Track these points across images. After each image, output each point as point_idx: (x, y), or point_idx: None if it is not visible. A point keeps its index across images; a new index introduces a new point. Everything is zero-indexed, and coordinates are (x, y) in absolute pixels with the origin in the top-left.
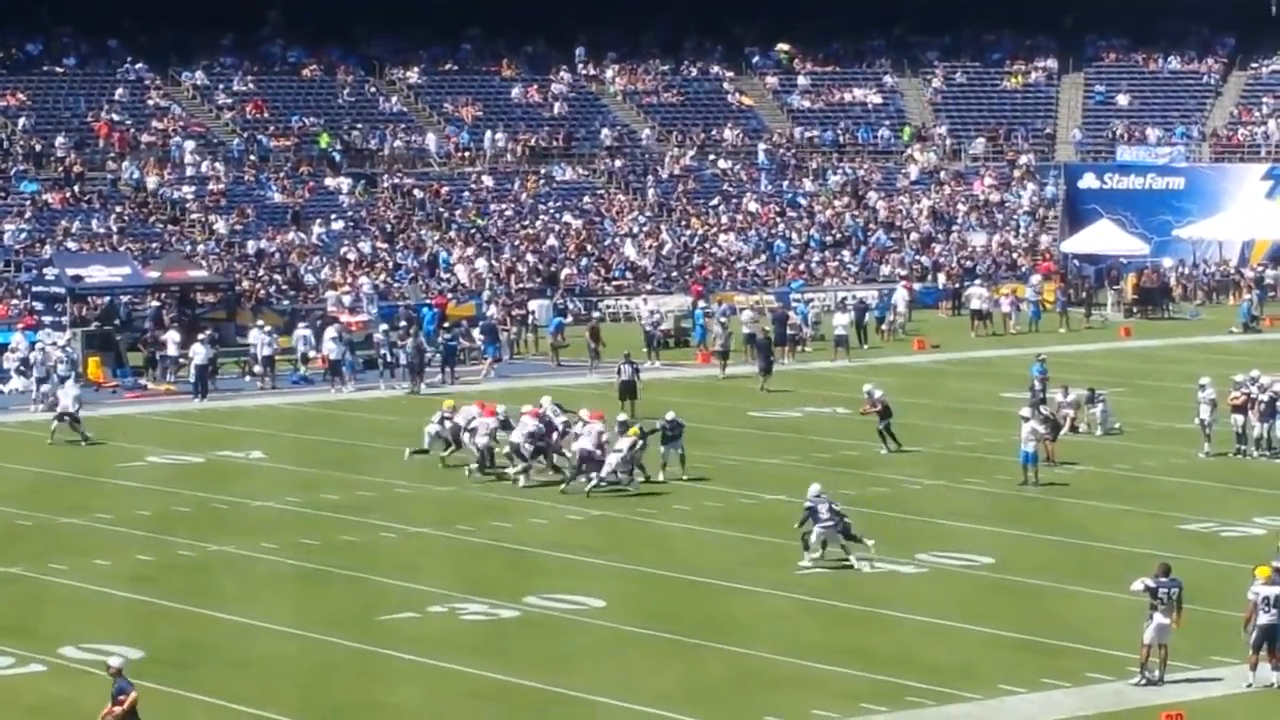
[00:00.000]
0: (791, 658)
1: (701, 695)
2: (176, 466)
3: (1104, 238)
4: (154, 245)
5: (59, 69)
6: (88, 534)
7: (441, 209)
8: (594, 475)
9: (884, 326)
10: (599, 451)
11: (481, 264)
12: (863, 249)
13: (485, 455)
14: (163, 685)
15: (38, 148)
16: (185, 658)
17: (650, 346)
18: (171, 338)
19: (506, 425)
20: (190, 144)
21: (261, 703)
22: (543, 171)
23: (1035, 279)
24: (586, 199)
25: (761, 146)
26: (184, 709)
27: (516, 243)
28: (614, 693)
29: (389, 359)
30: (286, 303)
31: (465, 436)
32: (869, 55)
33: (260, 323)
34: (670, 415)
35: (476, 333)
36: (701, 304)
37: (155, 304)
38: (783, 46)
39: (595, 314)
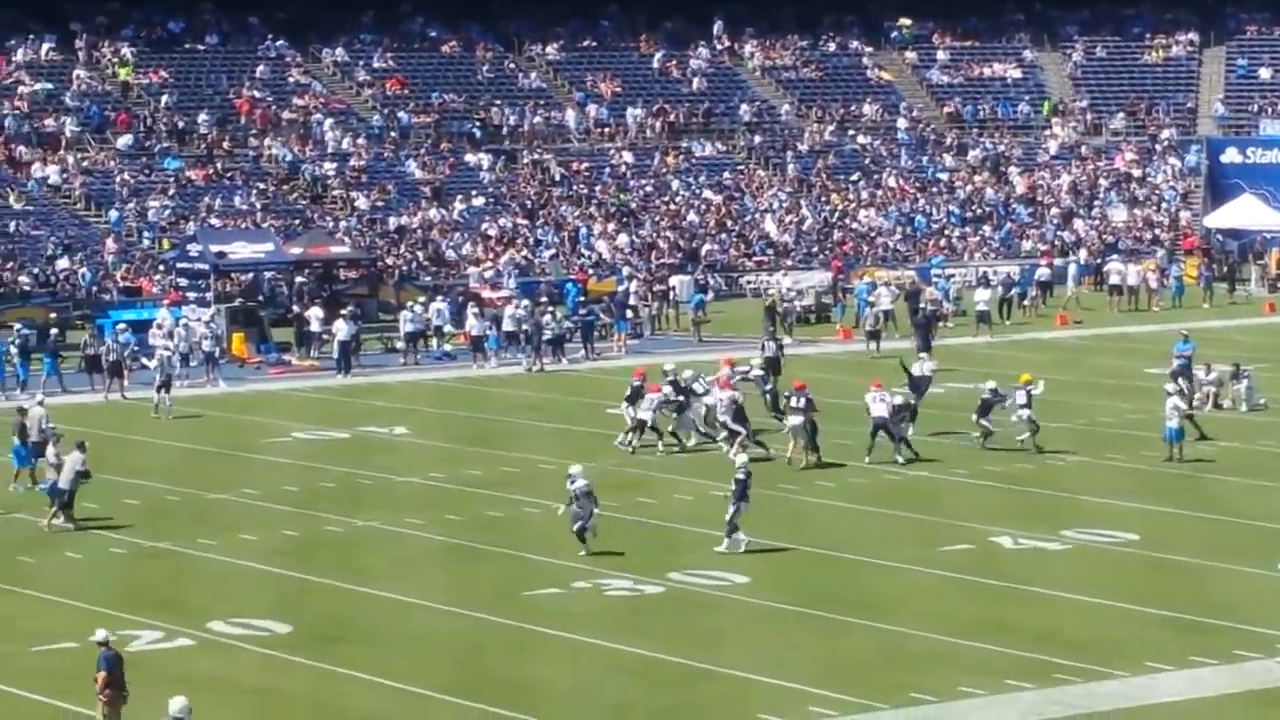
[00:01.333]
0: (937, 634)
1: (846, 671)
2: (322, 442)
3: (1247, 212)
4: (296, 222)
5: (201, 46)
6: (235, 509)
7: (581, 185)
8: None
9: (1025, 302)
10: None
11: (622, 240)
12: (1007, 225)
13: (641, 427)
14: (311, 660)
15: (180, 125)
16: (333, 632)
17: (787, 321)
18: (314, 314)
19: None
20: (331, 120)
21: (410, 677)
22: (683, 147)
23: (1160, 254)
24: (726, 174)
25: (901, 121)
26: (332, 683)
27: (657, 218)
28: (758, 668)
29: (530, 335)
30: (428, 279)
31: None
32: (1008, 30)
33: (409, 303)
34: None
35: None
36: (859, 280)
37: (299, 280)
38: (905, 21)
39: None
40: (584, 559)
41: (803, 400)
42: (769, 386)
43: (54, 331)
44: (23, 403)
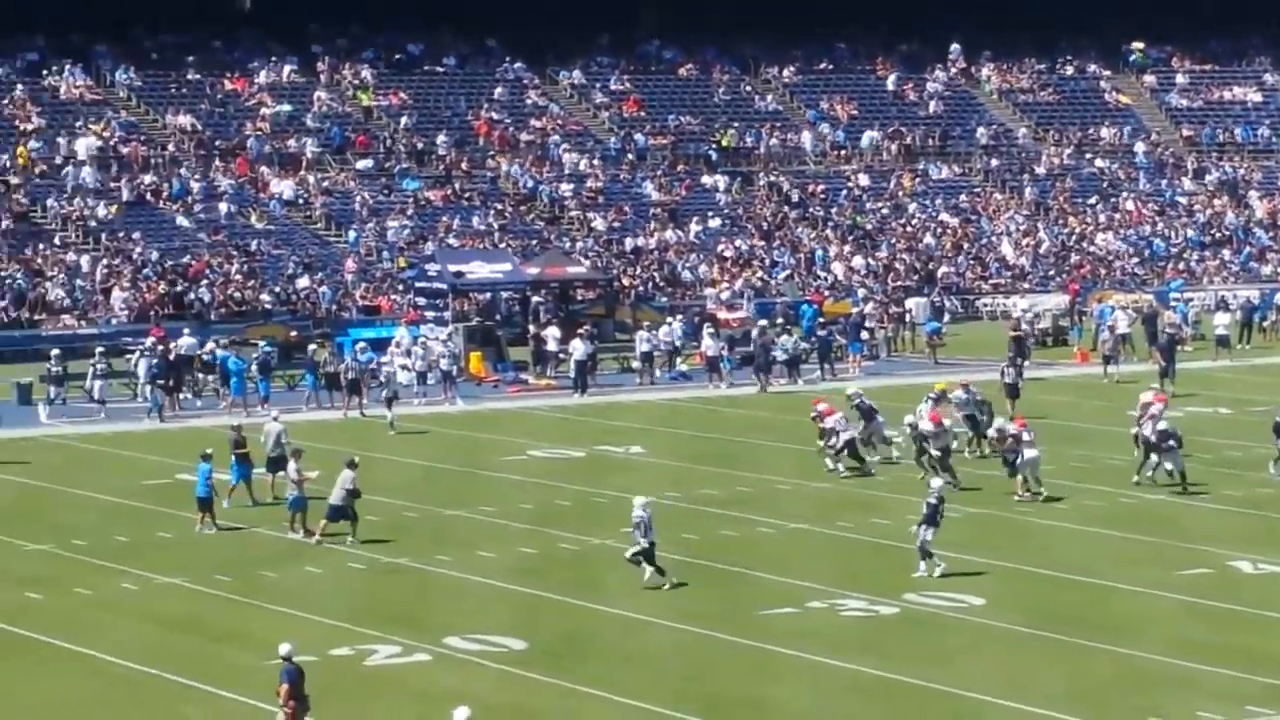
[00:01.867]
0: (1175, 658)
1: (1084, 694)
2: (558, 460)
3: None
4: (533, 242)
5: (440, 69)
6: (472, 526)
7: (817, 207)
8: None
9: (1265, 325)
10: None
11: (858, 261)
12: (1247, 249)
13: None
14: (546, 676)
15: (419, 146)
16: (569, 649)
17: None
18: (551, 333)
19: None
20: (568, 142)
21: (643, 695)
22: (919, 169)
23: None
24: (963, 197)
25: (1139, 145)
26: (569, 700)
27: (893, 241)
28: (994, 690)
29: (757, 356)
30: (664, 299)
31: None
32: (1248, 53)
33: (646, 323)
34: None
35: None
36: (1096, 303)
37: (535, 300)
38: (1137, 45)
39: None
40: (819, 579)
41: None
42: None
43: (311, 348)
44: (249, 420)
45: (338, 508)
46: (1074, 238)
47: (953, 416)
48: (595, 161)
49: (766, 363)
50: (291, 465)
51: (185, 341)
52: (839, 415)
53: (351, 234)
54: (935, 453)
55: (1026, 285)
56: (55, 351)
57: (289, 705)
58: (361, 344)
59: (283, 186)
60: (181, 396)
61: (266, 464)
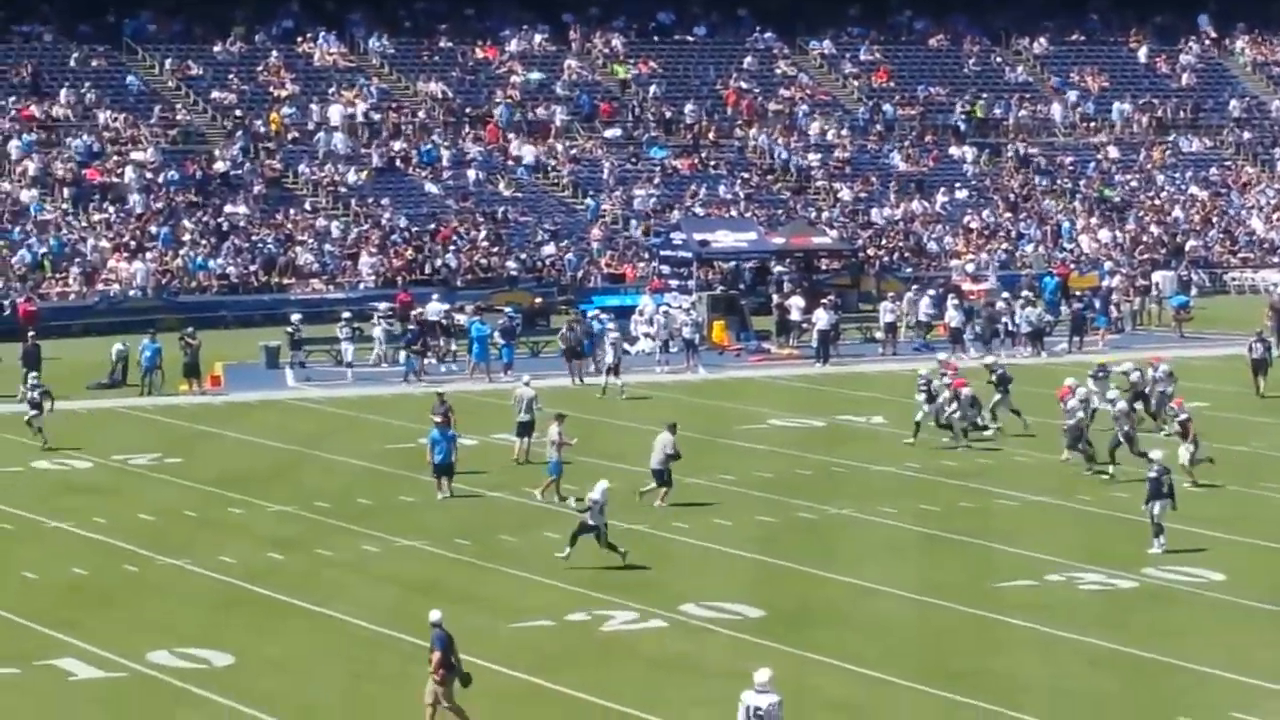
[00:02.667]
0: None
1: None
2: (798, 430)
3: None
4: (779, 212)
5: (690, 38)
6: (710, 494)
7: (1065, 179)
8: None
9: None
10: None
11: (1105, 234)
12: None
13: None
14: (781, 644)
15: (668, 115)
16: (804, 618)
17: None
18: (795, 303)
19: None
20: (816, 112)
21: (879, 664)
22: (1169, 142)
23: None
24: (1213, 170)
25: None
26: (803, 668)
27: (1141, 214)
28: (1233, 666)
29: (1010, 328)
30: (909, 270)
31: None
32: None
33: (890, 294)
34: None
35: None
36: None
37: (779, 269)
38: None
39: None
40: (1057, 552)
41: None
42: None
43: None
44: (491, 385)
45: (658, 471)
46: None
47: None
48: (843, 132)
49: (991, 335)
50: (554, 429)
51: (433, 307)
52: (969, 391)
53: (592, 201)
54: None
55: (1277, 260)
56: (296, 316)
57: (439, 673)
58: (597, 311)
59: (530, 153)
60: (426, 361)
61: (516, 429)
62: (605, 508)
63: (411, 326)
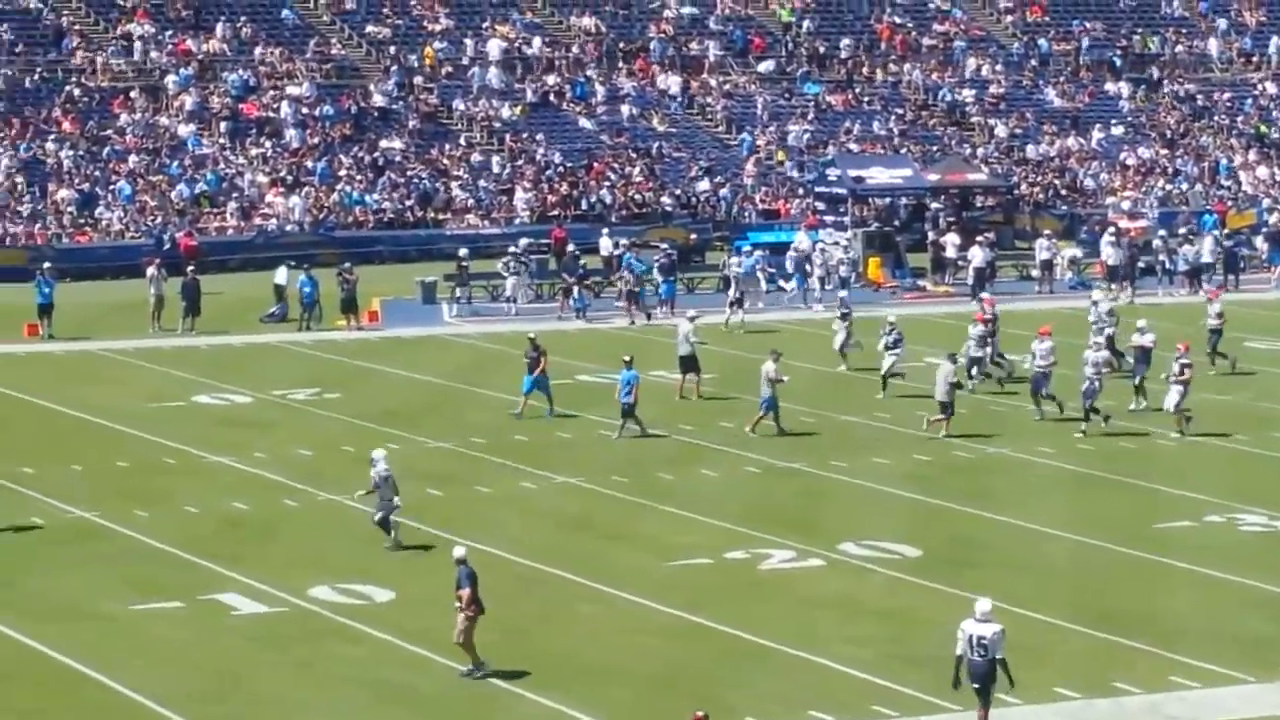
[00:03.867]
0: None
1: None
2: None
3: None
4: (934, 148)
5: None
6: (867, 433)
7: (1222, 115)
8: None
9: None
10: None
11: (1263, 171)
12: None
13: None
14: (937, 584)
15: (821, 50)
16: (960, 557)
17: None
18: (950, 240)
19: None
20: (971, 47)
21: (1036, 605)
22: None
23: None
24: None
25: None
26: (959, 607)
27: None
28: None
29: (1167, 265)
30: (1064, 207)
31: None
32: None
33: (1046, 231)
34: None
35: (1259, 241)
36: None
37: (935, 206)
38: None
39: None
40: (1217, 493)
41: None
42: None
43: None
44: (649, 323)
45: (944, 403)
46: None
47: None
48: (998, 67)
49: (1132, 272)
50: (770, 365)
51: (604, 243)
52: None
53: (746, 137)
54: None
55: None
56: (463, 251)
57: (470, 609)
58: (749, 249)
59: (680, 87)
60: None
61: (679, 364)
62: (392, 480)
63: (582, 262)
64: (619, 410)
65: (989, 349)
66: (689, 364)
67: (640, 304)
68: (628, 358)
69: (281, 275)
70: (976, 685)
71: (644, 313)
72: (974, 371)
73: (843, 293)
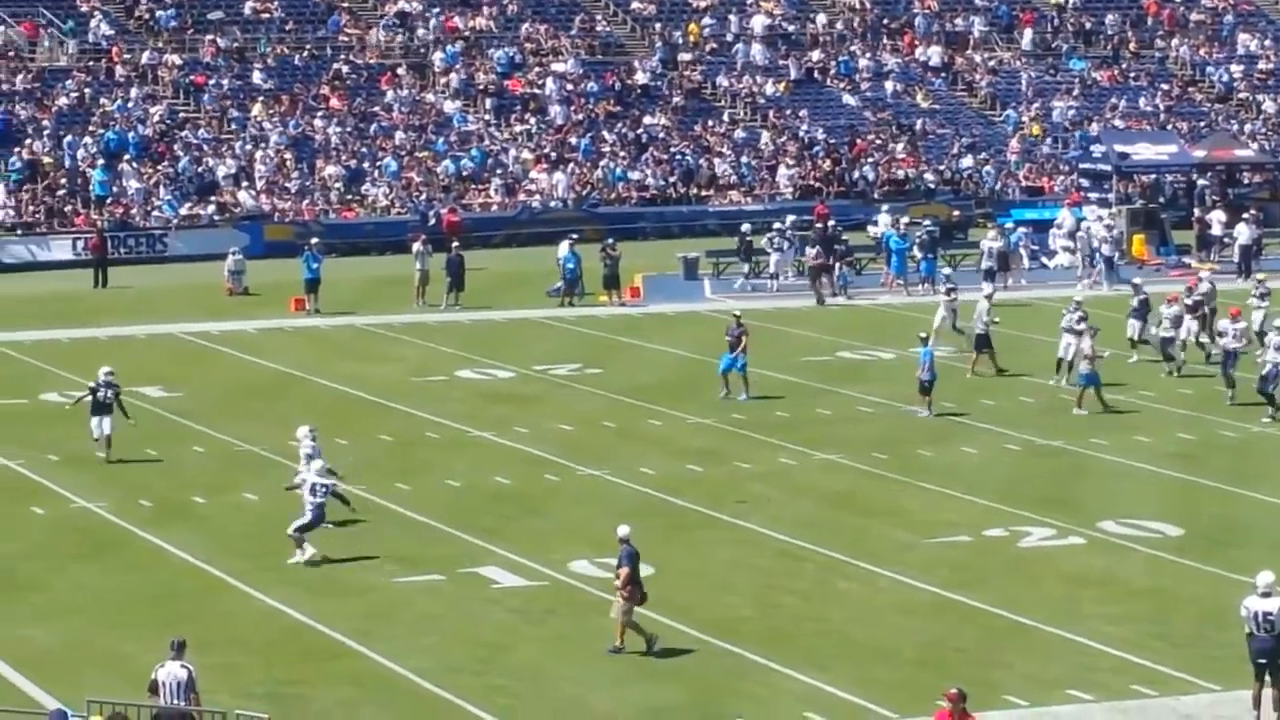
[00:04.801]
0: None
1: None
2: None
3: None
4: (1200, 124)
5: None
6: (1130, 410)
7: None
8: None
9: None
10: None
11: None
12: None
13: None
14: (1199, 563)
15: (1087, 25)
16: (1225, 537)
17: None
18: (1216, 217)
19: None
20: (1240, 23)
21: None
22: None
23: None
24: None
25: None
26: (1219, 588)
27: None
28: None
29: None
30: None
31: None
32: None
33: None
34: None
35: None
36: None
37: (1201, 183)
38: None
39: None
40: None
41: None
42: None
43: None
44: (909, 299)
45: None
46: None
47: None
48: (1267, 43)
49: None
50: (1087, 341)
51: (883, 219)
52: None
53: (1011, 113)
54: None
55: None
56: (746, 226)
57: (627, 589)
58: (1011, 225)
59: (939, 59)
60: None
61: (974, 342)
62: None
63: (845, 239)
64: (916, 388)
65: (1186, 330)
66: (983, 342)
67: (904, 280)
68: (924, 335)
69: (564, 249)
70: (1263, 661)
71: (904, 289)
72: (1170, 352)
73: (946, 270)
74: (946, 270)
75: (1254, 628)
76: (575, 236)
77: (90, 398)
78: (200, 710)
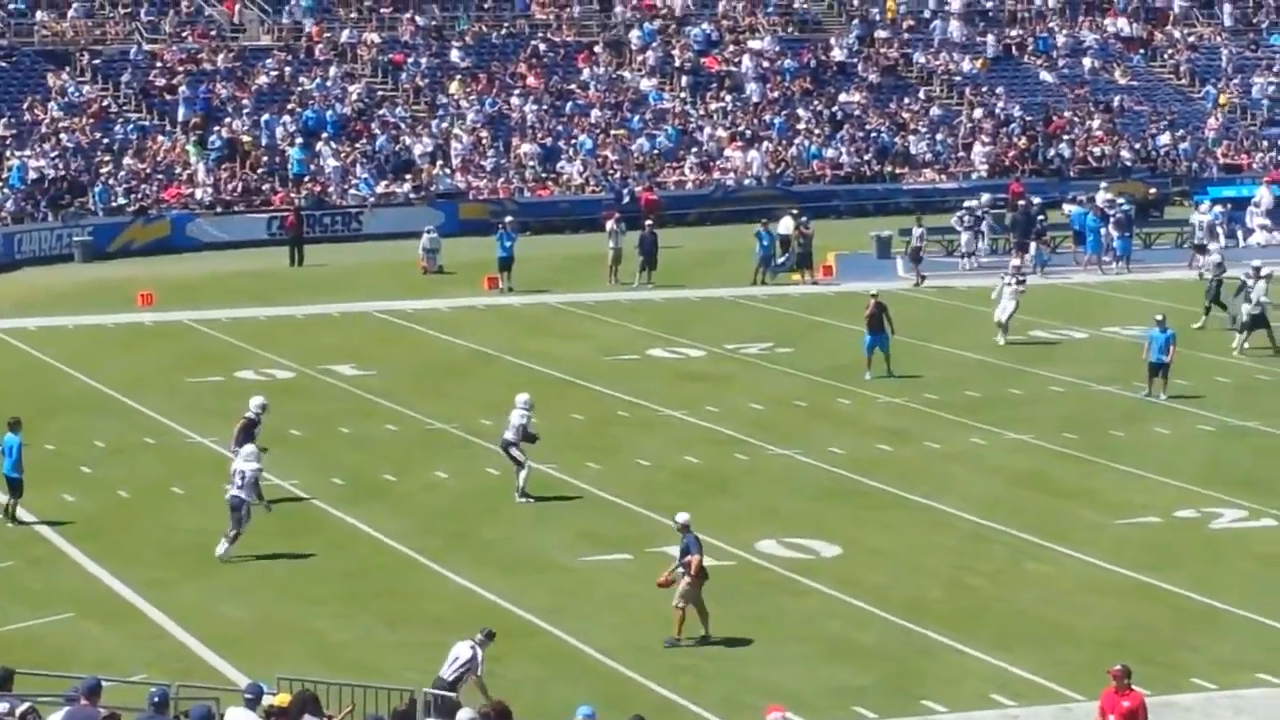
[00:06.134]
0: None
1: None
2: None
3: None
4: None
5: None
6: None
7: None
8: None
9: None
10: None
11: None
12: None
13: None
14: None
15: None
16: None
17: None
18: None
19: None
20: None
21: None
22: None
23: None
24: None
25: None
26: None
27: None
28: None
29: None
30: None
31: None
32: None
33: None
34: None
35: None
36: None
37: None
38: None
39: None
40: None
41: None
42: None
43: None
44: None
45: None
46: None
47: None
48: None
49: None
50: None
51: (1103, 196)
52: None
53: (1210, 89)
54: None
55: None
56: (973, 203)
57: (697, 576)
58: (1206, 205)
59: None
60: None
61: (1249, 322)
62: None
63: (1041, 217)
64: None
65: None
66: (1258, 322)
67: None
68: (1160, 317)
69: (786, 225)
70: None
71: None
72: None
73: (1015, 262)
74: (1015, 262)
75: None
76: (795, 213)
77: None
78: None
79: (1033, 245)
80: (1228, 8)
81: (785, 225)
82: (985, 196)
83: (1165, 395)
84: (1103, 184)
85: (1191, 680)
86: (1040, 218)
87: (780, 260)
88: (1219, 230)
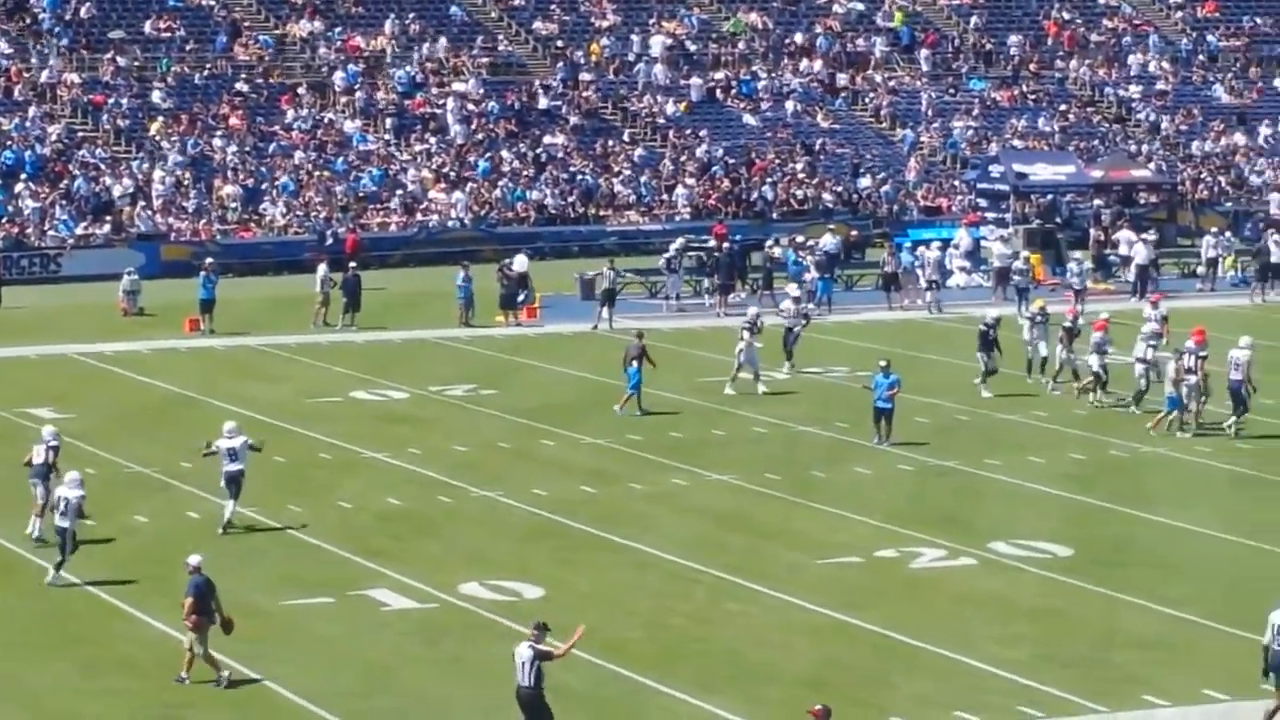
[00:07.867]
0: None
1: None
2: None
3: None
4: (1097, 144)
5: None
6: (1023, 431)
7: None
8: None
9: None
10: None
11: None
12: None
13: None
14: (1090, 584)
15: (988, 46)
16: (1114, 557)
17: None
18: (1125, 236)
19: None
20: (1138, 44)
21: (1185, 605)
22: None
23: None
24: None
25: None
26: (1111, 608)
27: None
28: None
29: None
30: (1229, 204)
31: None
32: None
33: (1213, 229)
34: None
35: None
36: None
37: (1098, 203)
38: None
39: None
40: None
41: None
42: None
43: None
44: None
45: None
46: None
47: None
48: (1164, 64)
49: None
50: (1171, 365)
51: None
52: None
53: (909, 133)
54: None
55: None
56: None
57: (191, 619)
58: (908, 244)
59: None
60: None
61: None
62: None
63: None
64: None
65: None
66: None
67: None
68: (884, 362)
69: (521, 263)
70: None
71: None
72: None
73: (754, 309)
74: (754, 309)
75: (1274, 640)
76: (530, 252)
77: None
78: None
79: (738, 285)
80: (924, 53)
81: (520, 263)
82: (679, 240)
83: (888, 442)
84: (831, 227)
85: (889, 718)
86: (769, 264)
87: (521, 297)
88: (918, 273)
